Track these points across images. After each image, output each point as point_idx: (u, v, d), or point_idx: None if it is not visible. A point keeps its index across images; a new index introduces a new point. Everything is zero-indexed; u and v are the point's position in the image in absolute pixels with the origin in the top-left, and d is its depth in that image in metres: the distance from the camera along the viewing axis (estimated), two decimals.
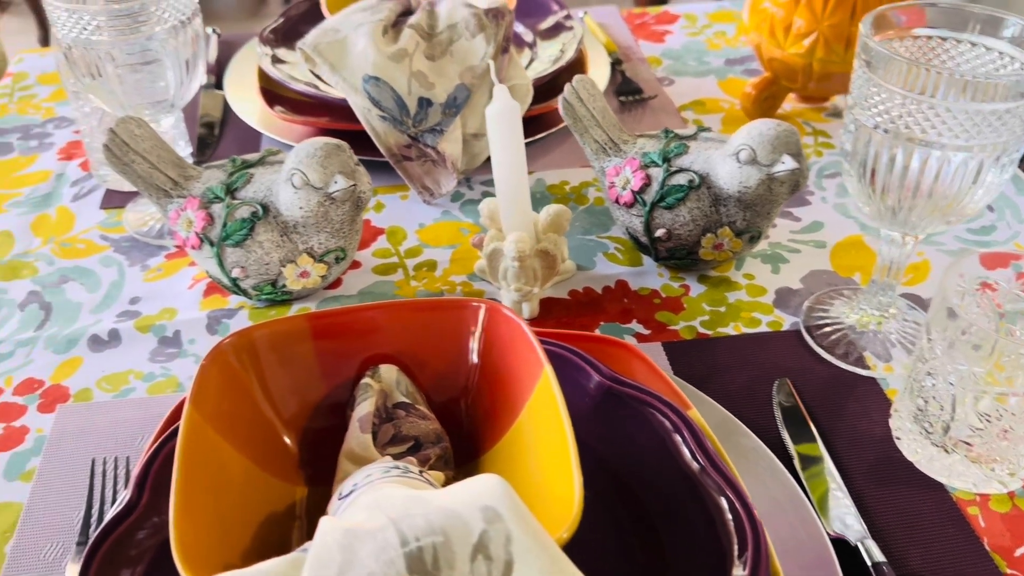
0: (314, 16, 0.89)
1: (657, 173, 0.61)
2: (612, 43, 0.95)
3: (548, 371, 0.43)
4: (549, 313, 0.62)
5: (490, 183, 0.76)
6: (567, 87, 0.64)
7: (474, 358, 0.47)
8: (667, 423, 0.45)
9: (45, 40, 2.84)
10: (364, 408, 0.45)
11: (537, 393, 0.43)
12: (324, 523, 0.34)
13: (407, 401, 0.46)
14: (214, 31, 0.97)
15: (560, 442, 0.39)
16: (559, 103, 0.64)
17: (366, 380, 0.46)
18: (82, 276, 0.66)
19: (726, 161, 0.59)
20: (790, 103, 0.86)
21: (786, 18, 0.77)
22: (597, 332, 0.60)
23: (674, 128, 0.82)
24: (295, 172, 0.56)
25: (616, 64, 0.91)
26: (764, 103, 0.83)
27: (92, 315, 0.62)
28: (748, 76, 0.91)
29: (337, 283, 0.65)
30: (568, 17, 0.87)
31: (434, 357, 0.48)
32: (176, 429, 0.46)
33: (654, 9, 1.05)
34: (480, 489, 0.34)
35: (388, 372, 0.47)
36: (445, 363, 0.48)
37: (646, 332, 0.60)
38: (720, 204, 0.60)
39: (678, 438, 0.44)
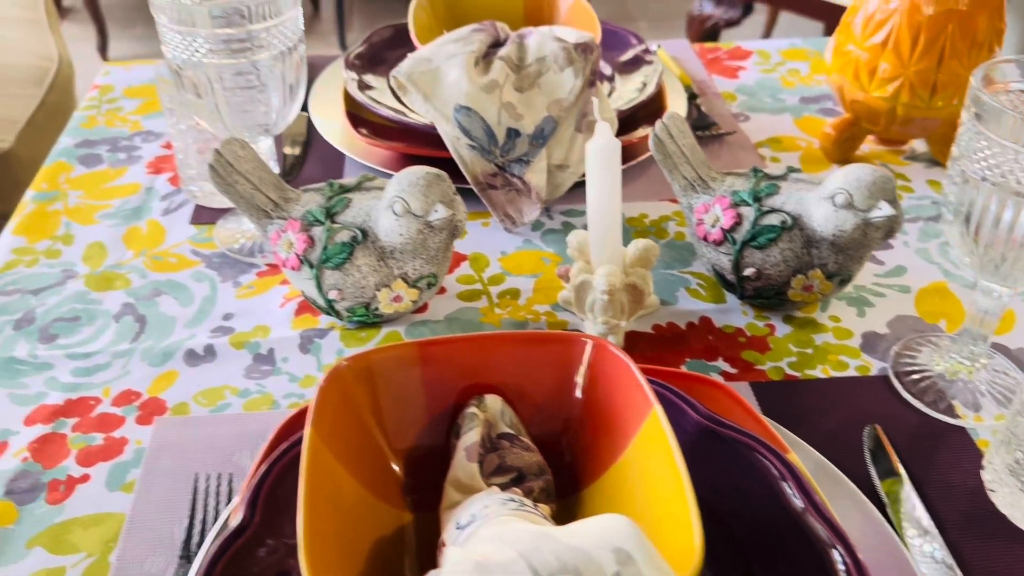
0: (395, 42, 0.91)
1: (748, 212, 0.62)
2: (687, 77, 0.96)
3: (657, 410, 0.43)
4: (634, 347, 0.63)
5: (571, 213, 0.76)
6: (658, 123, 0.65)
7: (578, 393, 0.48)
8: (769, 467, 0.46)
9: (103, 47, 2.90)
10: (471, 437, 0.46)
11: (644, 432, 0.44)
12: (453, 553, 0.35)
13: (511, 432, 0.47)
14: None
15: (673, 486, 0.40)
16: (650, 139, 0.65)
17: (472, 409, 0.47)
18: (175, 290, 0.68)
19: (821, 204, 0.60)
20: (868, 144, 0.86)
21: (871, 61, 0.77)
22: (684, 369, 0.60)
23: (753, 165, 0.82)
24: (397, 199, 0.57)
25: (692, 98, 0.91)
26: (844, 144, 0.83)
27: (186, 329, 0.64)
28: (824, 115, 0.91)
29: (424, 307, 0.66)
30: (647, 51, 0.88)
31: (537, 389, 0.49)
32: (284, 450, 0.47)
33: (726, 44, 1.05)
34: (610, 529, 0.35)
35: (493, 402, 0.48)
36: (547, 396, 0.49)
37: (733, 371, 0.61)
38: (812, 246, 0.61)
39: (782, 483, 0.45)
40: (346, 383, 0.45)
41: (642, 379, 0.44)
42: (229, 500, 0.51)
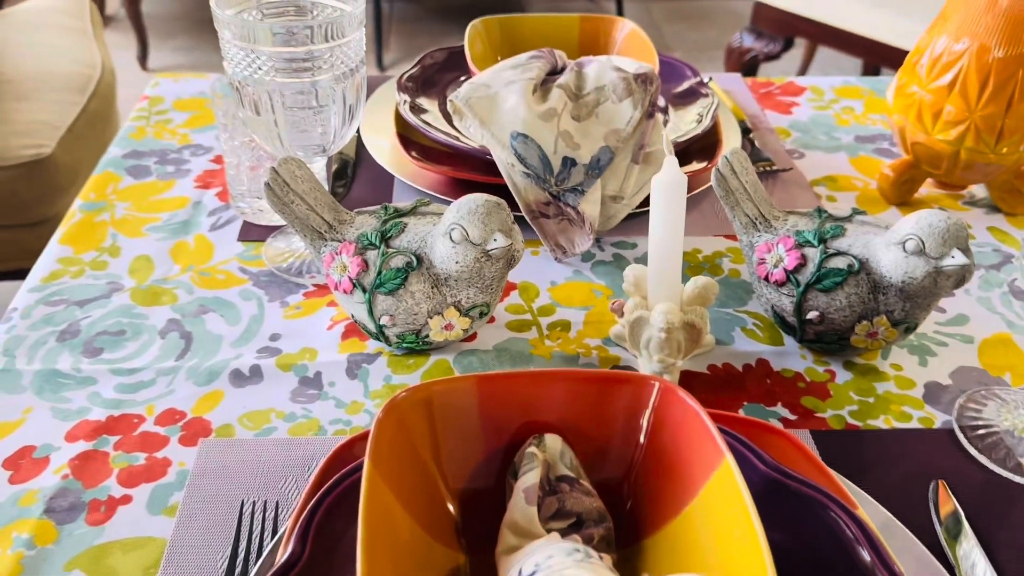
0: (448, 65, 0.90)
1: (813, 254, 0.60)
2: (739, 110, 0.94)
3: (729, 461, 0.41)
4: (689, 387, 0.61)
5: (622, 245, 0.75)
6: (721, 159, 0.64)
7: (641, 438, 0.46)
8: (841, 525, 0.44)
9: (143, 56, 2.93)
10: (529, 479, 0.44)
11: (714, 483, 0.42)
12: None
13: (571, 475, 0.45)
14: None
15: (747, 542, 0.38)
16: (712, 175, 0.64)
17: (532, 449, 0.45)
18: (222, 307, 0.67)
19: (890, 249, 0.58)
20: (926, 188, 0.84)
21: (936, 103, 0.75)
22: (741, 413, 0.59)
23: (809, 204, 0.81)
24: (455, 227, 0.56)
25: (745, 133, 0.90)
26: (902, 186, 0.81)
27: (233, 348, 0.63)
28: (880, 156, 0.89)
29: (473, 336, 0.65)
30: (702, 84, 0.87)
31: (598, 431, 0.47)
32: (335, 482, 0.45)
33: (779, 79, 1.04)
34: None
35: (553, 442, 0.46)
36: (609, 439, 0.47)
37: (792, 417, 0.59)
38: (879, 292, 0.59)
39: (855, 544, 0.43)
40: (404, 415, 0.43)
41: (712, 427, 0.43)
42: (275, 530, 0.50)
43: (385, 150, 0.82)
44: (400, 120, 0.82)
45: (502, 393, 0.47)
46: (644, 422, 0.46)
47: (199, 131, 0.89)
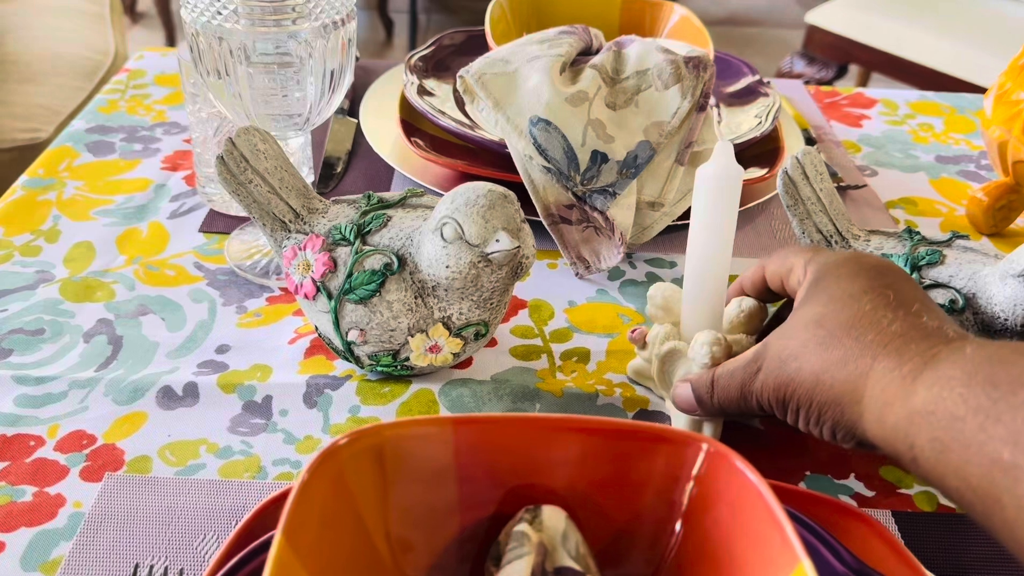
0: (469, 48, 0.78)
1: None
2: (802, 119, 0.82)
3: (806, 567, 0.28)
4: (733, 443, 0.48)
5: (657, 263, 0.62)
6: (791, 160, 0.51)
7: (678, 523, 0.33)
8: None
9: None
10: (517, 569, 0.31)
11: None
12: None
13: (576, 568, 0.32)
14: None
15: None
16: (779, 178, 0.51)
17: (522, 527, 0.33)
18: (165, 309, 0.55)
19: (1007, 283, 0.45)
20: None
21: None
22: (803, 487, 0.45)
23: (884, 227, 0.67)
24: (447, 221, 0.44)
25: (809, 143, 0.77)
26: (997, 212, 0.68)
27: (168, 360, 0.51)
28: (964, 179, 0.76)
29: (467, 362, 0.52)
30: (762, 82, 0.75)
31: (618, 507, 0.34)
32: (247, 555, 0.33)
33: (846, 89, 0.91)
34: None
35: (553, 518, 0.33)
36: (633, 519, 0.34)
37: (869, 494, 0.45)
38: (990, 336, 0.46)
39: None
40: (343, 470, 0.31)
41: (781, 514, 0.30)
42: None
43: (386, 139, 0.70)
44: (405, 104, 0.70)
45: (488, 444, 0.34)
46: (683, 498, 0.33)
47: (178, 108, 0.78)
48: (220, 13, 0.48)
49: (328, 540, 0.30)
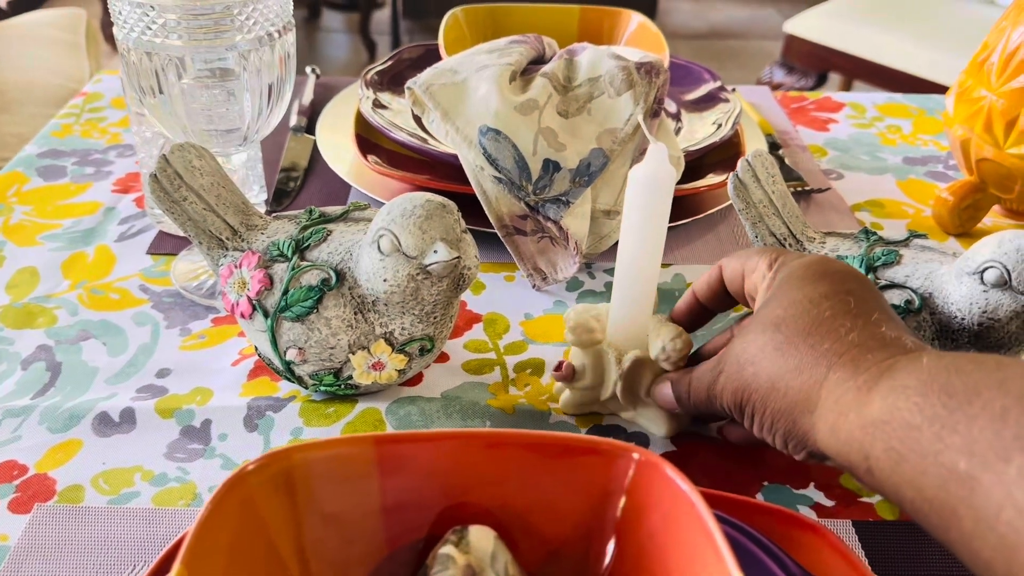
0: (428, 61, 0.77)
1: None
2: (767, 124, 0.81)
3: (732, 573, 0.27)
4: (692, 457, 0.46)
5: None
6: (741, 163, 0.50)
7: (611, 536, 0.32)
8: None
9: None
10: None
11: None
12: None
13: None
14: (313, 71, 0.87)
15: None
16: (729, 183, 0.50)
17: (448, 549, 0.31)
18: (106, 333, 0.53)
19: (962, 281, 0.43)
20: (992, 216, 0.70)
21: (1010, 110, 0.61)
22: (760, 498, 0.44)
23: (848, 229, 0.66)
24: (384, 233, 0.43)
25: (774, 148, 0.76)
26: (963, 212, 0.67)
27: (107, 386, 0.49)
28: (934, 180, 0.75)
29: (417, 378, 0.51)
30: (723, 89, 0.74)
31: (551, 523, 0.33)
32: None
33: (813, 94, 0.90)
34: None
35: (481, 539, 0.32)
36: (566, 534, 0.33)
37: (829, 503, 0.44)
38: (948, 337, 0.44)
39: None
40: (253, 497, 0.29)
41: (712, 525, 0.28)
42: None
43: (344, 155, 0.69)
44: (361, 120, 0.69)
45: (414, 464, 0.33)
46: (616, 512, 0.32)
47: (131, 130, 0.77)
48: (150, 28, 0.47)
49: (238, 572, 0.29)
